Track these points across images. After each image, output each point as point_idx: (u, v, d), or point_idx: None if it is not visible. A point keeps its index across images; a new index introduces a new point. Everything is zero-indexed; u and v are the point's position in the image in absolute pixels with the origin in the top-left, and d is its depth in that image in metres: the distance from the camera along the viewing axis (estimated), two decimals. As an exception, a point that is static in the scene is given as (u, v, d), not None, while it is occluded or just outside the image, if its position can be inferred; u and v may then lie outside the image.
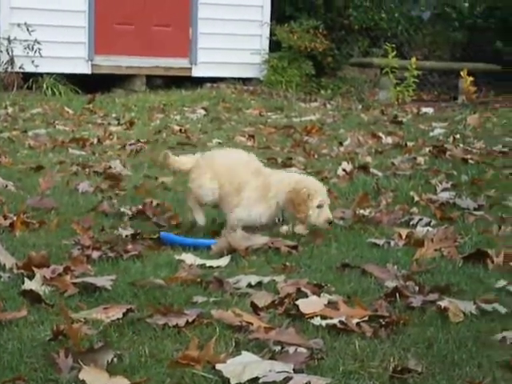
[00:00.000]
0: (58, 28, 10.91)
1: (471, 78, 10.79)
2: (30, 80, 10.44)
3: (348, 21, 13.12)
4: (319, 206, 3.67)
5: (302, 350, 2.35)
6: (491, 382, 2.20)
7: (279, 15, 12.75)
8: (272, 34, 12.38)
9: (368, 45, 13.57)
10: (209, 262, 3.27)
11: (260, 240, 3.53)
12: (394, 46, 11.47)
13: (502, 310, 2.79)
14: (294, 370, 2.21)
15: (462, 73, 10.81)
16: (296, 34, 12.31)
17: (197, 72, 11.93)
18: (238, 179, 3.71)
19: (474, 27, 12.93)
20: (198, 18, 11.90)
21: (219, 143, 6.99)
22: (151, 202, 4.16)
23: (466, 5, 13.59)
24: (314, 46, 12.34)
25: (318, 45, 12.37)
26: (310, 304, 2.74)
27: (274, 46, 12.44)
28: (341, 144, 7.03)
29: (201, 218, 3.81)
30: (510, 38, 12.11)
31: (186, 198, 3.92)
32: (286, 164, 5.99)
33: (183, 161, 3.92)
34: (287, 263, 3.35)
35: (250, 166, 3.78)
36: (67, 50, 10.96)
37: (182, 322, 2.51)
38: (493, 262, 3.35)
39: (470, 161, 5.95)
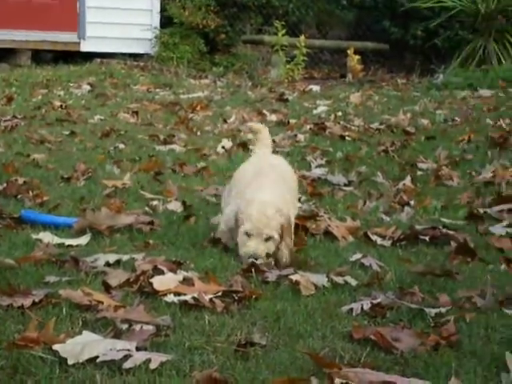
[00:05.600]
0: None
1: (358, 57, 11.01)
2: None
3: (240, -2, 13.10)
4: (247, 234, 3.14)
5: (148, 327, 2.34)
6: (329, 351, 2.26)
7: (171, -10, 12.60)
8: (163, 9, 12.23)
9: (261, 22, 13.60)
10: (68, 241, 3.22)
11: (124, 219, 3.49)
12: (284, 23, 11.56)
13: (354, 282, 2.87)
14: (136, 347, 2.20)
15: (349, 51, 11.01)
16: (188, 10, 12.21)
17: (85, 47, 11.65)
18: None
19: (362, 6, 13.14)
20: (85, -9, 11.62)
21: (101, 120, 6.88)
22: (16, 180, 4.05)
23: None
24: (206, 22, 12.27)
25: (210, 21, 12.31)
26: (165, 281, 2.73)
27: (166, 21, 12.30)
28: (225, 121, 7.04)
29: None
30: (396, 17, 12.39)
31: None
32: (168, 141, 5.96)
33: None
34: (150, 241, 3.33)
35: None
36: None
37: (27, 302, 2.45)
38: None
39: (348, 138, 6.08)
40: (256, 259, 3.05)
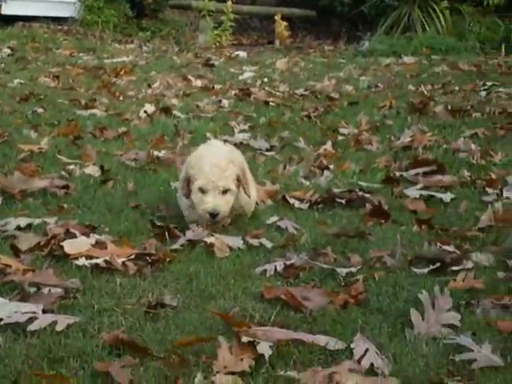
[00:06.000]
0: None
1: (285, 23, 10.99)
2: None
3: (167, -39, 12.89)
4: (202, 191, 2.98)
5: (56, 290, 2.31)
6: (240, 311, 2.27)
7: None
8: (87, -28, 11.95)
9: (189, -13, 13.43)
10: (-23, 205, 3.13)
11: (38, 183, 3.41)
12: (212, -12, 11.45)
13: (269, 244, 2.88)
14: (43, 310, 2.16)
15: (276, 17, 10.98)
16: (113, -28, 11.96)
17: (7, 10, 11.29)
18: None
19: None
20: (6, -49, 11.23)
21: (20, 84, 6.70)
22: None
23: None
24: (131, -15, 12.05)
25: (136, -15, 12.09)
26: (76, 245, 2.69)
27: (90, -16, 12.01)
28: (149, 86, 6.95)
29: None
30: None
31: None
32: (89, 105, 5.85)
33: None
34: (64, 205, 3.27)
35: None
36: None
37: None
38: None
39: (272, 103, 6.08)
40: (216, 215, 2.92)
